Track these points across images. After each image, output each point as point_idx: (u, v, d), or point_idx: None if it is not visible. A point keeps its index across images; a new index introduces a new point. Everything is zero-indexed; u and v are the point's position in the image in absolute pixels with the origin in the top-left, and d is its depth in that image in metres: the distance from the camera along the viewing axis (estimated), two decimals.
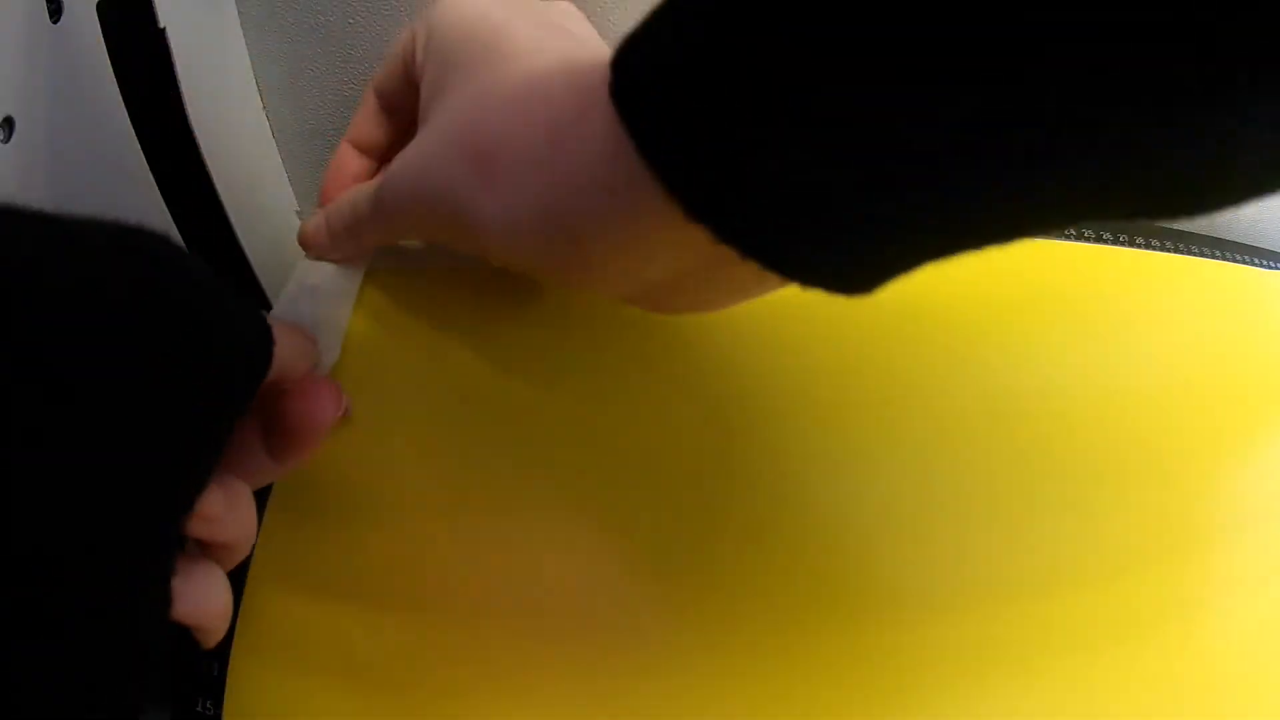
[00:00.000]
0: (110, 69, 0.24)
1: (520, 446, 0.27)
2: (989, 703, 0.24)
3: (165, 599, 0.17)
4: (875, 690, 0.24)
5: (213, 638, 0.20)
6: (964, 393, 0.28)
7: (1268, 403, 0.29)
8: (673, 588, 0.25)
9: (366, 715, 0.24)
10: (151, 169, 0.27)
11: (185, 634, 0.19)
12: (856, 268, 0.16)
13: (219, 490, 0.19)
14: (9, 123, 0.20)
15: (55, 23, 0.21)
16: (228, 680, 0.24)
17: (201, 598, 0.19)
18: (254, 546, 0.25)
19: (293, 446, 0.22)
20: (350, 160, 0.28)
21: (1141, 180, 0.13)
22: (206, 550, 0.20)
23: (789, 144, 0.14)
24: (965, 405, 0.28)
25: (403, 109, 0.26)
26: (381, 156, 0.28)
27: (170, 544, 0.17)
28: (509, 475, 0.26)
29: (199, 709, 0.24)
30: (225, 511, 0.19)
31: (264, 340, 0.19)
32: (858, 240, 0.15)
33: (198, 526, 0.18)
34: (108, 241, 0.16)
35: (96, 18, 0.23)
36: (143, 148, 0.26)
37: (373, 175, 0.28)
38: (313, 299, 0.28)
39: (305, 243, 0.28)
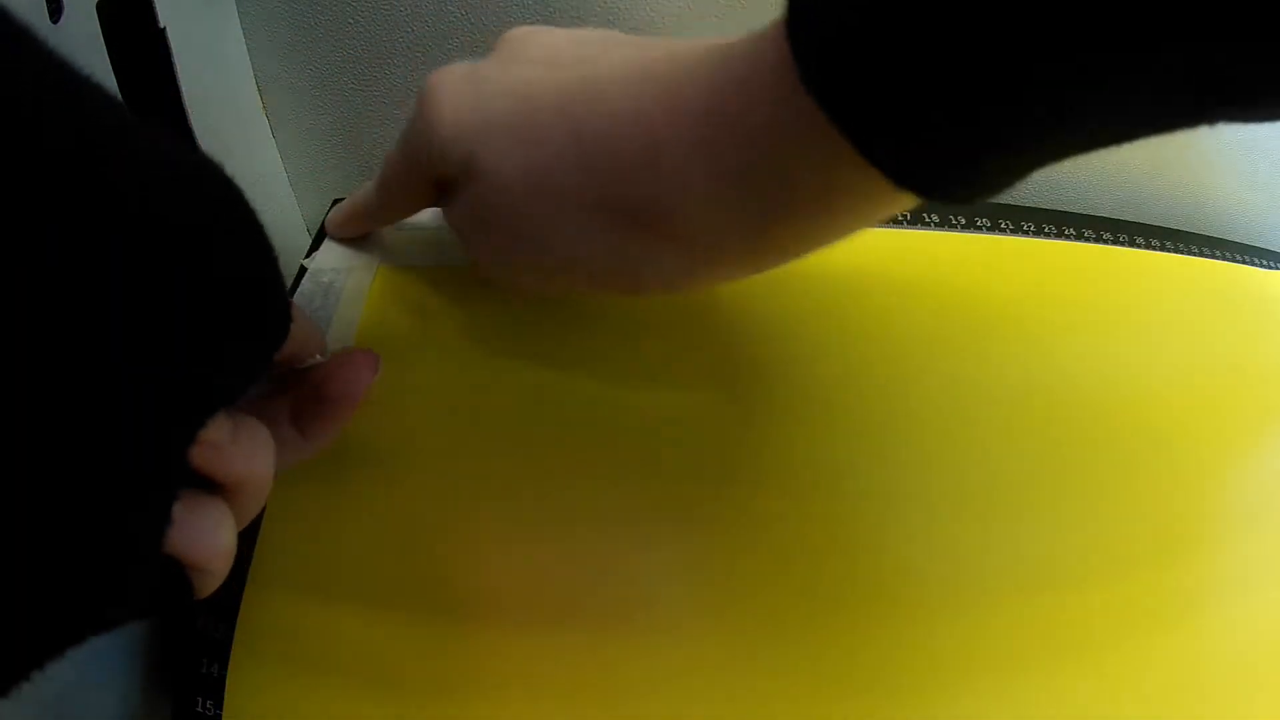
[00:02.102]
0: (110, 69, 0.24)
1: (526, 444, 0.27)
2: (991, 702, 0.24)
3: (166, 512, 0.17)
4: (879, 689, 0.24)
5: (209, 582, 0.19)
6: (965, 392, 0.28)
7: (1268, 402, 0.29)
8: (676, 586, 0.25)
9: (367, 715, 0.24)
10: None
11: (179, 577, 0.19)
12: (987, 188, 0.17)
13: (227, 420, 0.18)
14: None
15: (55, 23, 0.21)
16: (228, 680, 0.24)
17: (201, 531, 0.18)
18: (254, 547, 0.25)
19: (327, 417, 0.23)
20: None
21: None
22: (217, 493, 0.19)
23: (968, 101, 0.15)
24: (967, 405, 0.28)
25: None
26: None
27: (182, 453, 0.17)
28: (513, 473, 0.26)
29: (199, 709, 0.24)
30: (229, 442, 0.18)
31: (287, 308, 0.19)
32: (1004, 175, 0.17)
33: (200, 453, 0.18)
34: (198, 158, 0.17)
35: (96, 18, 0.23)
36: None
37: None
38: (325, 297, 0.28)
39: (332, 231, 0.29)
